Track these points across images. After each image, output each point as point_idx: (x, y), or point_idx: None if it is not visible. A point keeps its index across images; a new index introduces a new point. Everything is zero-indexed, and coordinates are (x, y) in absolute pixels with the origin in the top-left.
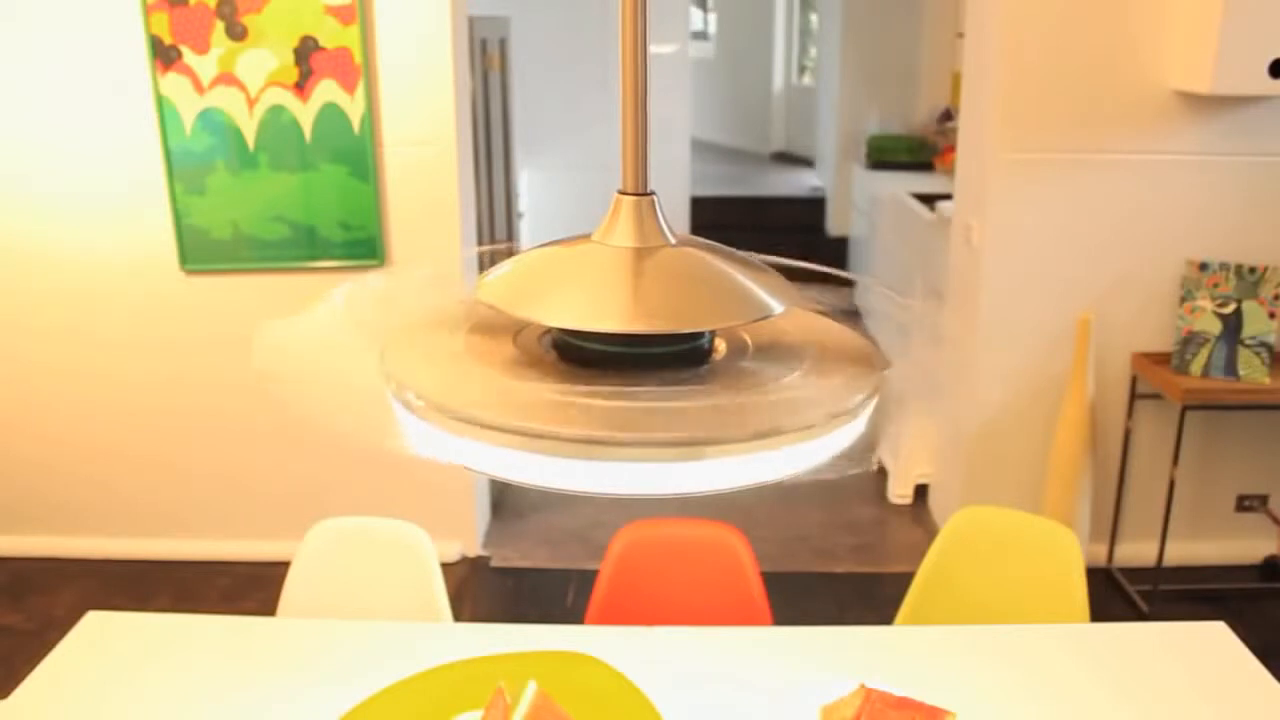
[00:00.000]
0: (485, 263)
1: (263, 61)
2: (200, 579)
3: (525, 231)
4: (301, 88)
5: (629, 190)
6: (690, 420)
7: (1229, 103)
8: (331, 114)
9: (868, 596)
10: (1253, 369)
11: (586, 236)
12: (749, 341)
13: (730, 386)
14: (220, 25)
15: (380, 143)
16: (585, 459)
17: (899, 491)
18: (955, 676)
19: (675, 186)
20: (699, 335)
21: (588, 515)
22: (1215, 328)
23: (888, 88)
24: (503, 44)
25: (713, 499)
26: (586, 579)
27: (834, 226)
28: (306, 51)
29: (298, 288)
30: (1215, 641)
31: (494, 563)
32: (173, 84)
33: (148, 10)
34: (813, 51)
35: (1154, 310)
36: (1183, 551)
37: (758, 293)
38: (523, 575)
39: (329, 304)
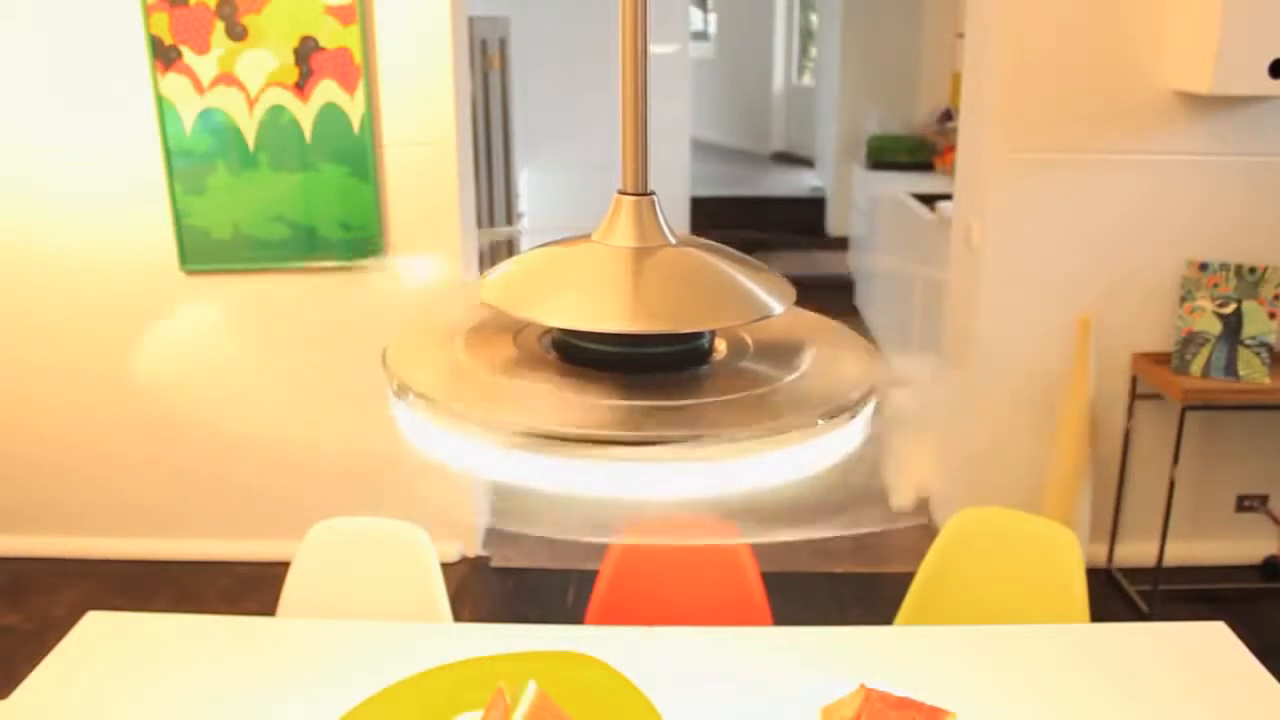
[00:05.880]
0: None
1: (263, 62)
2: (200, 579)
3: (525, 232)
4: (301, 88)
5: (629, 190)
6: (690, 420)
7: (1229, 103)
8: (331, 114)
9: (868, 596)
10: (1253, 369)
11: (586, 236)
12: (749, 341)
13: (731, 387)
14: (220, 25)
15: (380, 143)
16: (586, 460)
17: (899, 501)
18: (955, 676)
19: (675, 186)
20: (699, 335)
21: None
22: (1215, 328)
23: (888, 88)
24: (503, 44)
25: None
26: (586, 579)
27: (834, 226)
28: (306, 52)
29: (298, 288)
30: (1215, 641)
31: (494, 563)
32: (173, 84)
33: (148, 10)
34: (813, 51)
35: (1154, 310)
36: (1183, 551)
37: (758, 293)
38: (523, 575)
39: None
